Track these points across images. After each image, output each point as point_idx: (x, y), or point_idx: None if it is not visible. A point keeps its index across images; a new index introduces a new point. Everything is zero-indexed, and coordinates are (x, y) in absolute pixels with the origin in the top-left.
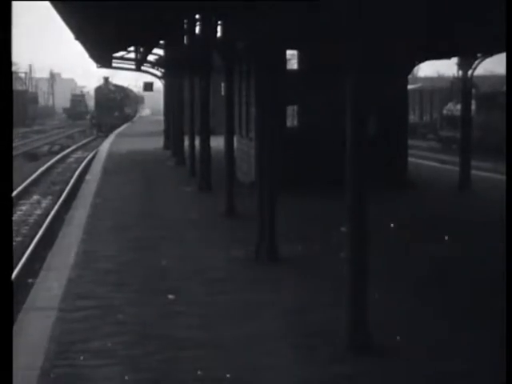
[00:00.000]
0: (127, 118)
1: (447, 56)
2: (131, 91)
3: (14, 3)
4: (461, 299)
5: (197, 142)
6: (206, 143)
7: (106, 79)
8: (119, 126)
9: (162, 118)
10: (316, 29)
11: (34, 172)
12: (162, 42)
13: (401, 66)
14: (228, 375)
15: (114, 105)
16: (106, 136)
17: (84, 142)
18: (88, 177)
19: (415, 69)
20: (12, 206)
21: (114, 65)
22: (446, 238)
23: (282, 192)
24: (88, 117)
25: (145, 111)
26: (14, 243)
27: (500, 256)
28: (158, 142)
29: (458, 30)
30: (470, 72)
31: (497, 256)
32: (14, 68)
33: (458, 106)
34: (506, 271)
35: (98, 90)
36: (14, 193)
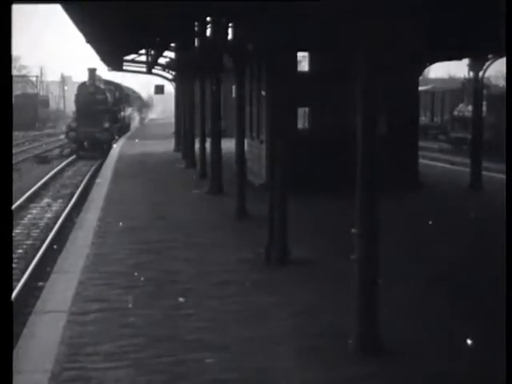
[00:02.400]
0: (123, 129)
1: (458, 57)
2: (133, 91)
3: (27, 8)
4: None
5: (208, 145)
6: (216, 145)
7: (92, 71)
8: (109, 143)
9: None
10: (326, 31)
11: (45, 175)
12: (172, 44)
13: (412, 67)
14: (236, 377)
15: (103, 110)
16: (97, 158)
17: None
18: (98, 180)
19: (426, 70)
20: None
21: (124, 68)
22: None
23: (293, 194)
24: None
25: (156, 114)
26: (24, 246)
27: None
28: (169, 145)
29: (469, 31)
30: (480, 73)
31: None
32: (24, 71)
33: (469, 107)
34: (506, 271)
35: (81, 88)
36: (25, 196)
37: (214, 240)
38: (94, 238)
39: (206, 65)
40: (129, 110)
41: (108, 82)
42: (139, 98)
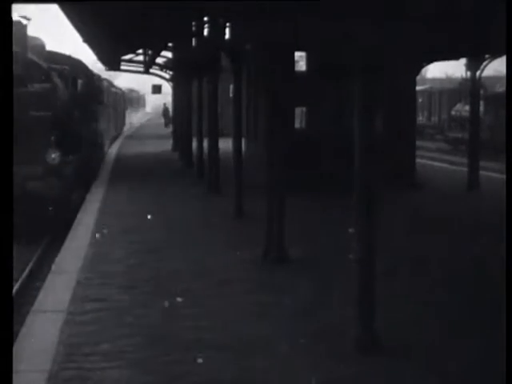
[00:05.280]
0: (94, 161)
1: (455, 57)
2: (110, 84)
3: (23, 7)
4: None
5: (205, 144)
6: (214, 145)
7: (20, 27)
8: (59, 203)
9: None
10: (324, 30)
11: None
12: (170, 44)
13: (409, 67)
14: (236, 376)
15: (44, 119)
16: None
17: None
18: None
19: (423, 70)
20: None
21: (122, 67)
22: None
23: (291, 193)
24: None
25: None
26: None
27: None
28: (167, 145)
29: (466, 31)
30: (478, 73)
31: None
32: None
33: (467, 107)
34: (506, 271)
35: None
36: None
37: (212, 239)
38: (91, 238)
39: (204, 64)
40: (108, 115)
41: (59, 57)
42: (121, 94)
